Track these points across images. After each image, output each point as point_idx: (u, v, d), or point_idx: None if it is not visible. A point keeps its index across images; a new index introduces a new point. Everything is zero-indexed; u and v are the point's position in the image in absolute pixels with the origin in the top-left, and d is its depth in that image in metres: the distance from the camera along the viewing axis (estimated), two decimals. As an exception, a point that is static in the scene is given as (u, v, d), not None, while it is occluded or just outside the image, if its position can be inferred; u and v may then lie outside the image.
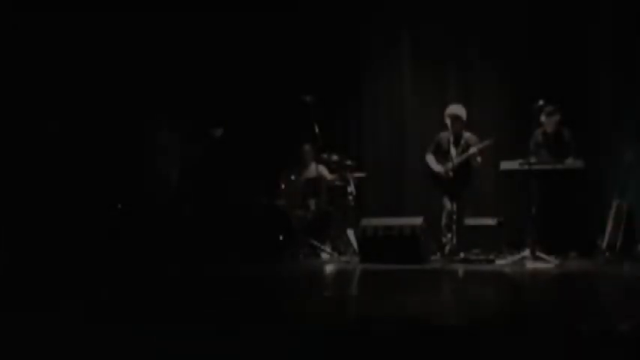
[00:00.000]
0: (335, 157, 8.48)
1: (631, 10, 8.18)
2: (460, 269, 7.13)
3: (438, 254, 8.03)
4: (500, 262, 7.46)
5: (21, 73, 9.07)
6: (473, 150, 7.82)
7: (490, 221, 8.06)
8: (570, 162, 7.68)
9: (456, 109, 7.97)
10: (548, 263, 7.13)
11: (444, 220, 7.96)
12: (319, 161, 8.66)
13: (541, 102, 7.67)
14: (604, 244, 7.45)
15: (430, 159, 8.10)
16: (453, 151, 7.77)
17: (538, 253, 7.21)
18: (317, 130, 8.28)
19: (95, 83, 9.24)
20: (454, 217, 7.77)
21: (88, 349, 3.54)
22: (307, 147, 8.70)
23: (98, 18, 9.28)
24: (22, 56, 9.00)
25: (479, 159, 7.89)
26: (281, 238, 7.97)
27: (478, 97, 8.93)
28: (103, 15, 9.27)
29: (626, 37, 8.25)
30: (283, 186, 8.63)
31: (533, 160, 7.41)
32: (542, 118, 7.88)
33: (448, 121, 7.87)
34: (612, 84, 8.24)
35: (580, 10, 8.51)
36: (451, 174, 7.76)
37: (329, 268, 7.47)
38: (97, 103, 9.21)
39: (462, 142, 7.96)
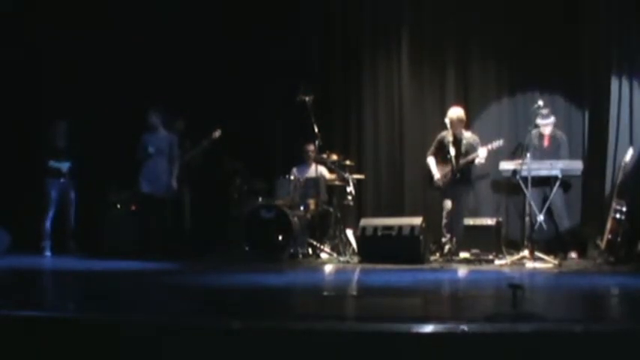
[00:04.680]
0: (335, 158, 8.47)
1: (628, 8, 8.17)
2: (460, 269, 7.14)
3: (438, 254, 8.02)
4: (499, 262, 7.47)
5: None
6: (482, 151, 7.81)
7: (489, 221, 8.06)
8: (569, 163, 7.70)
9: (457, 112, 7.95)
10: (547, 263, 7.13)
11: (444, 220, 7.95)
12: (319, 161, 8.64)
13: (540, 103, 7.69)
14: (603, 244, 7.45)
15: (431, 162, 8.09)
16: (452, 151, 7.77)
17: (537, 254, 7.21)
18: (317, 130, 8.27)
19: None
20: (454, 217, 7.77)
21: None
22: (312, 147, 8.67)
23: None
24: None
25: (484, 160, 7.88)
26: (281, 238, 7.96)
27: (478, 98, 8.92)
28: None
29: (625, 35, 8.24)
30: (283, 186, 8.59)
31: (527, 159, 7.42)
32: (540, 120, 7.89)
33: (449, 123, 7.86)
34: (612, 83, 8.23)
35: (579, 10, 8.50)
36: (458, 175, 7.74)
37: (328, 268, 7.47)
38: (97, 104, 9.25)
39: (465, 142, 7.95)
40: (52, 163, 8.71)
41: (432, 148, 8.13)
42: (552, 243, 7.78)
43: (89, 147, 8.86)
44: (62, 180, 8.75)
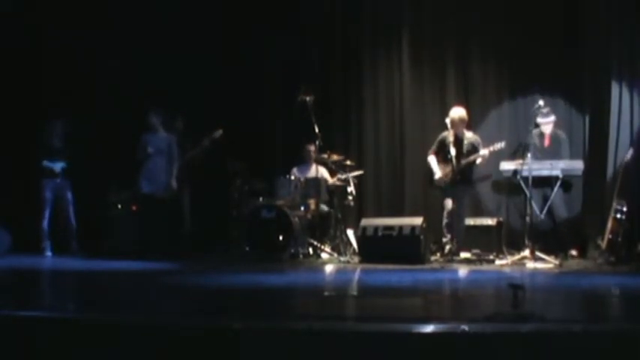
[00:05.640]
0: (335, 158, 8.47)
1: (628, 8, 8.17)
2: (460, 269, 7.14)
3: (438, 254, 8.02)
4: (500, 262, 7.46)
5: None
6: (484, 152, 7.81)
7: (490, 221, 8.07)
8: (570, 163, 7.69)
9: (459, 112, 7.95)
10: (548, 263, 7.12)
11: (444, 220, 7.95)
12: (320, 161, 8.64)
13: (540, 103, 7.69)
14: (604, 244, 7.45)
15: (432, 160, 8.09)
16: (452, 151, 7.76)
17: (538, 253, 7.20)
18: (317, 130, 8.27)
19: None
20: (455, 217, 7.77)
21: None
22: (312, 147, 8.66)
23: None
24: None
25: (485, 161, 7.90)
26: (281, 238, 7.96)
27: (478, 98, 8.91)
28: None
29: (625, 35, 8.24)
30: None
31: (528, 159, 7.42)
32: (540, 119, 7.90)
33: (450, 123, 7.86)
34: (612, 83, 8.22)
35: (579, 10, 8.50)
36: (455, 175, 7.73)
37: (329, 268, 7.47)
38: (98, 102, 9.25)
39: (466, 142, 7.95)
40: (46, 163, 8.71)
41: (434, 147, 8.14)
42: (553, 243, 7.77)
43: (89, 147, 8.87)
44: (57, 180, 8.74)
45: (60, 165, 8.76)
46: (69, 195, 8.83)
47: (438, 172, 7.98)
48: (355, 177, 8.53)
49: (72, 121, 8.86)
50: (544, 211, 7.47)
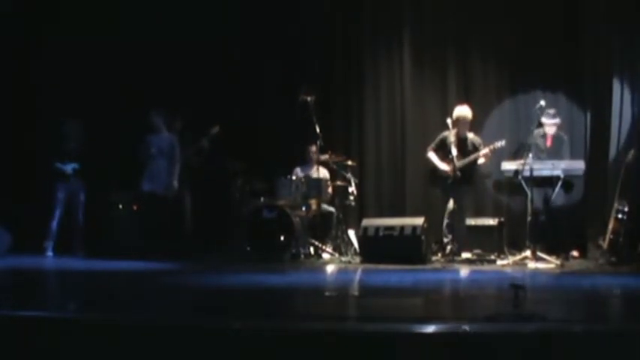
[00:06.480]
0: (337, 158, 8.46)
1: (629, 7, 8.16)
2: (461, 269, 7.13)
3: (439, 254, 8.01)
4: (501, 262, 7.45)
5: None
6: (485, 150, 7.81)
7: (491, 221, 8.06)
8: (572, 163, 7.68)
9: (464, 111, 7.95)
10: (549, 264, 7.11)
11: (446, 220, 7.94)
12: (321, 162, 8.63)
13: (542, 103, 7.68)
14: (606, 245, 7.43)
15: (432, 156, 8.08)
16: (454, 151, 7.75)
17: (539, 254, 7.19)
18: (318, 130, 8.26)
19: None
20: (456, 217, 7.76)
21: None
22: (314, 148, 8.65)
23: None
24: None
25: (484, 159, 7.90)
26: (282, 238, 7.95)
27: (478, 98, 8.90)
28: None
29: (626, 35, 8.23)
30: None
31: (529, 159, 7.41)
32: (543, 119, 7.88)
33: (452, 122, 7.85)
34: (613, 83, 8.22)
35: (579, 9, 8.50)
36: (459, 173, 7.74)
37: (330, 268, 7.46)
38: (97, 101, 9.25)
39: (468, 142, 7.95)
40: (58, 165, 8.70)
41: (433, 145, 8.13)
42: (554, 243, 7.77)
43: (90, 147, 8.86)
44: (69, 181, 8.73)
45: (72, 166, 8.75)
46: (82, 196, 8.80)
47: (442, 165, 7.95)
48: (350, 164, 8.49)
49: (71, 121, 8.86)
50: (545, 211, 7.45)
